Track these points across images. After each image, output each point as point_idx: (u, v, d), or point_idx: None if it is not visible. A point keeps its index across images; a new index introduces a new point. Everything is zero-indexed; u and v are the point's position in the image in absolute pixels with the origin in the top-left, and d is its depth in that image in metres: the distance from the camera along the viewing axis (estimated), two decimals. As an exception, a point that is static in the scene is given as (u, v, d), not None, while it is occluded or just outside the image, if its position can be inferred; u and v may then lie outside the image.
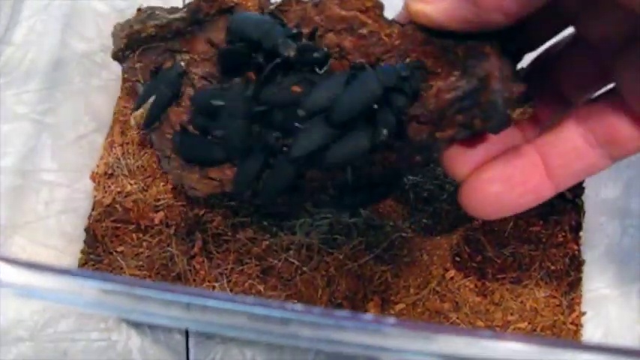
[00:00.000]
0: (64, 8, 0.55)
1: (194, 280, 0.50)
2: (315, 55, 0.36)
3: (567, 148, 0.35)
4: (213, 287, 0.49)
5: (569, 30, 0.36)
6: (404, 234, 0.51)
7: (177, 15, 0.41)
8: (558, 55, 0.37)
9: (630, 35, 0.32)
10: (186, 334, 0.51)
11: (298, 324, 0.27)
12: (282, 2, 0.39)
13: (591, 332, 0.50)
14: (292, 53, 0.35)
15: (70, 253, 0.53)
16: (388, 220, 0.51)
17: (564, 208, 0.52)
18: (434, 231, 0.52)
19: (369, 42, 0.36)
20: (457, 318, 0.49)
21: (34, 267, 0.28)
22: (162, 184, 0.53)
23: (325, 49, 0.36)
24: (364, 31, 0.36)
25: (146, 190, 0.53)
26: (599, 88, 0.36)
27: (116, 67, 0.52)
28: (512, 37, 0.34)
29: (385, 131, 0.34)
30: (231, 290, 0.49)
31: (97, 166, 0.55)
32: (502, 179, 0.35)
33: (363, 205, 0.49)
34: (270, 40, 0.35)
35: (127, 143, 0.55)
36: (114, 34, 0.45)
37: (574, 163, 0.35)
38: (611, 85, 0.34)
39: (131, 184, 0.53)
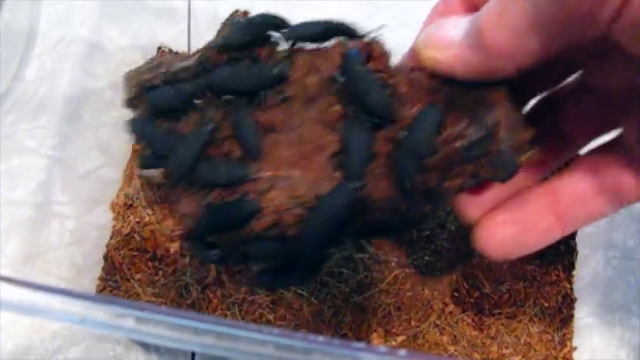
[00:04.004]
0: (74, 47, 0.57)
1: (207, 309, 0.52)
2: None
3: (575, 195, 0.35)
4: (225, 315, 0.52)
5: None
6: (407, 270, 0.54)
7: (184, 64, 0.41)
8: (564, 98, 0.37)
9: (636, 88, 0.32)
10: (192, 360, 0.53)
11: (321, 354, 0.29)
12: (291, 50, 0.38)
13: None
14: None
15: (79, 284, 0.54)
16: (392, 256, 0.54)
17: (558, 248, 0.55)
18: (435, 267, 0.54)
19: None
20: (455, 350, 0.52)
21: (48, 290, 0.30)
22: (178, 215, 0.56)
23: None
24: None
25: (163, 221, 0.56)
26: (604, 133, 0.36)
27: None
28: (519, 85, 0.34)
29: None
30: (242, 319, 0.52)
31: (117, 196, 0.57)
32: (515, 222, 0.36)
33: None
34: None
35: (145, 175, 0.58)
36: (125, 83, 0.44)
37: (581, 209, 0.36)
38: (615, 133, 0.35)
39: (149, 215, 0.56)
